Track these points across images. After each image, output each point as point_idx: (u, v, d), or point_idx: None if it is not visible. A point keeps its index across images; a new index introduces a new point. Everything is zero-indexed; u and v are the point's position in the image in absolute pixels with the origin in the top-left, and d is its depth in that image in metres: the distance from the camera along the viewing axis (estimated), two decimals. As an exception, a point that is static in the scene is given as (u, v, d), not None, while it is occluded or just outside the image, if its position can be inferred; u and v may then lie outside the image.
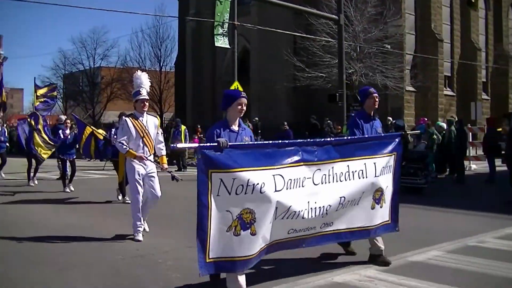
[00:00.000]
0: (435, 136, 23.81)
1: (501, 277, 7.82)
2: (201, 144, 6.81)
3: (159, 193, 10.65)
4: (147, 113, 10.84)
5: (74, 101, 70.16)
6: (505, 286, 7.44)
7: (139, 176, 10.47)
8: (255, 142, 7.68)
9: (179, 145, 7.76)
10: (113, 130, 16.45)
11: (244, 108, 7.45)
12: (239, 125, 7.45)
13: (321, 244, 7.96)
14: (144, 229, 10.70)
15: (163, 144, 11.11)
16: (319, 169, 7.39)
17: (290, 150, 7.16)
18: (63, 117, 22.21)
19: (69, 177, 19.11)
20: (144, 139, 10.56)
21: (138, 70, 11.51)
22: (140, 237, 10.33)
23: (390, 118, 27.31)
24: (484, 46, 57.01)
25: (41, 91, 21.39)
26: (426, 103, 48.05)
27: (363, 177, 7.92)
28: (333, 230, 7.75)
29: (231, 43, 31.29)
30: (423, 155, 19.55)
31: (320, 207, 7.30)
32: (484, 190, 20.04)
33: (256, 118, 37.49)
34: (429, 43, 48.85)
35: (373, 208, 8.19)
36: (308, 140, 7.62)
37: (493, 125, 23.32)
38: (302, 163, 7.18)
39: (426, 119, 28.35)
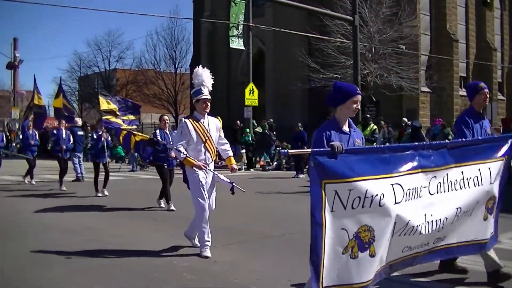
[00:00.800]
0: (450, 137, 23.78)
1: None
2: (314, 149, 5.68)
3: (213, 206, 9.65)
4: (208, 115, 9.68)
5: (89, 103, 70.40)
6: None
7: (204, 183, 9.31)
8: (371, 146, 6.90)
9: (291, 151, 6.24)
10: (158, 131, 15.30)
11: (359, 107, 6.51)
12: (350, 125, 6.50)
13: (431, 261, 6.99)
14: (194, 244, 9.72)
15: (228, 144, 10.06)
16: (435, 176, 6.43)
17: (406, 155, 6.20)
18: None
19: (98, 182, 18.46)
20: (206, 143, 9.44)
21: (199, 67, 10.19)
22: (208, 253, 9.16)
23: (405, 119, 27.27)
24: (499, 46, 56.77)
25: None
26: (441, 104, 47.90)
27: (478, 185, 6.91)
28: (444, 245, 6.76)
29: (246, 45, 31.42)
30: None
31: (436, 220, 6.36)
32: (499, 190, 19.92)
33: (271, 120, 37.52)
34: (444, 43, 48.69)
35: (485, 219, 7.24)
36: (424, 143, 6.90)
37: (508, 125, 23.27)
38: (419, 170, 6.24)
39: (441, 120, 28.31)
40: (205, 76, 9.82)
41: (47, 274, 8.18)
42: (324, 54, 39.09)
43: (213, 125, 9.63)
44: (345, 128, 6.37)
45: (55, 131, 21.28)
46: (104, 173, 18.53)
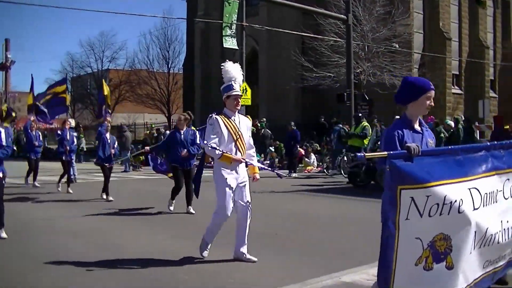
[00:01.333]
0: (442, 135, 23.92)
1: None
2: (391, 152, 5.14)
3: (248, 199, 9.00)
4: (238, 113, 9.18)
5: (82, 104, 70.35)
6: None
7: (230, 187, 8.76)
8: (444, 147, 6.14)
9: (368, 155, 5.35)
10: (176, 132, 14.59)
11: (432, 103, 5.99)
12: (421, 124, 6.02)
13: (503, 274, 6.23)
14: (246, 258, 8.87)
15: (254, 150, 9.46)
16: (508, 179, 5.93)
17: (480, 156, 5.69)
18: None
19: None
20: (238, 142, 8.84)
21: (228, 61, 9.67)
22: (206, 253, 9.12)
23: (398, 117, 27.27)
24: (492, 44, 56.91)
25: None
26: (434, 102, 46.97)
27: None
28: None
29: (240, 44, 31.42)
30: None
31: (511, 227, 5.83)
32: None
33: (264, 119, 37.61)
34: (437, 41, 48.83)
35: None
36: (495, 142, 6.08)
37: (501, 123, 23.39)
38: (494, 172, 5.73)
39: (433, 117, 28.40)
40: (235, 71, 9.24)
41: (46, 276, 8.21)
42: (317, 53, 39.17)
43: (244, 123, 9.09)
44: (417, 127, 5.95)
45: (59, 132, 20.65)
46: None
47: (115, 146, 18.26)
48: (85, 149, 38.91)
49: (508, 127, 24.40)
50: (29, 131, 21.46)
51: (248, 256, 8.91)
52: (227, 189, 8.69)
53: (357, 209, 15.32)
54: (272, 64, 49.47)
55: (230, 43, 30.73)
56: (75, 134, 21.63)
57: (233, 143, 8.77)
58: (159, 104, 64.07)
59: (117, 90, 66.52)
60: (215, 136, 8.68)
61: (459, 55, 52.24)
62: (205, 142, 8.74)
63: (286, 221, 12.92)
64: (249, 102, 31.89)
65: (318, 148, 32.65)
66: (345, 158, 24.71)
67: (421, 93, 5.86)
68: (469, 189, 5.29)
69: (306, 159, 30.20)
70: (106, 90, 21.90)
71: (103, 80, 21.72)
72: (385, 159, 5.03)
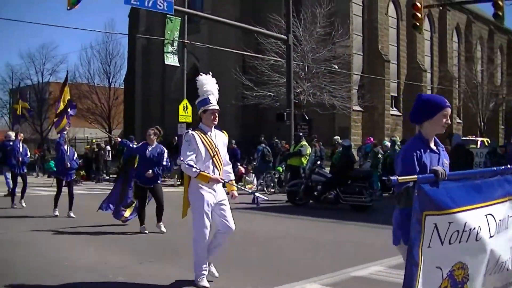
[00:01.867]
0: (379, 156, 24.35)
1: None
2: (420, 176, 4.87)
3: (233, 226, 8.40)
4: (214, 128, 8.62)
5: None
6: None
7: (208, 207, 8.17)
8: (465, 171, 5.72)
9: (400, 179, 4.83)
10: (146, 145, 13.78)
11: (449, 121, 5.61)
12: (436, 144, 5.59)
13: None
14: (211, 272, 8.52)
15: (231, 166, 8.91)
16: None
17: (496, 181, 5.45)
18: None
19: (54, 200, 16.78)
20: (215, 159, 8.33)
21: (202, 74, 9.26)
22: (205, 282, 8.15)
23: (338, 138, 27.70)
24: (429, 67, 58.10)
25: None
26: (373, 123, 48.75)
27: None
28: None
29: (181, 61, 31.49)
30: (368, 174, 19.95)
31: None
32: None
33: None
34: (376, 63, 49.68)
35: None
36: (509, 166, 5.69)
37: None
38: (507, 198, 5.48)
39: (371, 138, 28.86)
40: (210, 84, 8.93)
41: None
42: (258, 72, 39.49)
43: (220, 139, 8.58)
44: (433, 146, 5.52)
45: (11, 143, 19.57)
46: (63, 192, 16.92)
47: (74, 157, 17.26)
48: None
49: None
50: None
51: (213, 269, 8.56)
52: (205, 208, 8.12)
53: (296, 227, 15.48)
54: (213, 81, 49.64)
55: (172, 60, 30.76)
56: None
57: (210, 160, 8.28)
58: (100, 119, 63.61)
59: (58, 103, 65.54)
60: (191, 153, 8.17)
61: (398, 77, 53.23)
62: (181, 159, 8.18)
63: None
64: (190, 120, 31.95)
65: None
66: (274, 177, 25.20)
67: (437, 110, 5.48)
68: (486, 215, 5.14)
69: (247, 177, 30.31)
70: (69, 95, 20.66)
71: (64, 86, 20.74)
72: (404, 183, 4.84)
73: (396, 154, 23.21)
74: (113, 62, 65.19)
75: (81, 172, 33.89)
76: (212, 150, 8.29)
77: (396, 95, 53.21)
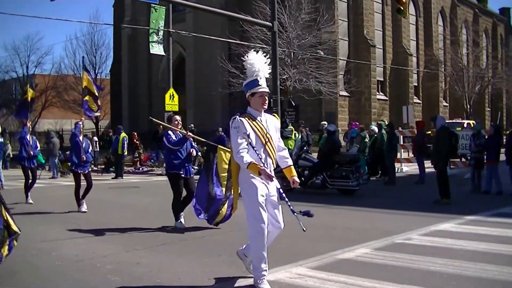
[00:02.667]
0: (366, 140, 24.45)
1: (422, 270, 8.25)
2: None
3: (282, 224, 7.62)
4: (265, 112, 7.65)
5: (7, 109, 69.03)
6: (425, 277, 7.84)
7: (263, 198, 7.33)
8: None
9: None
10: (170, 132, 12.79)
11: None
12: None
13: None
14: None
15: (287, 150, 7.90)
16: None
17: None
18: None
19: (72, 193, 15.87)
20: (267, 147, 7.41)
21: (251, 52, 7.88)
22: (265, 285, 7.34)
23: (325, 123, 27.75)
24: (415, 51, 58.29)
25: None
26: (359, 108, 48.90)
27: None
28: None
29: (166, 50, 31.47)
30: (355, 158, 20.02)
31: None
32: (413, 190, 20.56)
33: (192, 125, 37.70)
34: (362, 48, 49.81)
35: None
36: None
37: (422, 128, 24.01)
38: None
39: (357, 123, 28.97)
40: (260, 64, 7.64)
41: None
42: (243, 59, 39.46)
43: (272, 124, 7.61)
44: None
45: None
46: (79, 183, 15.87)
47: (90, 150, 16.31)
48: (11, 156, 38.21)
49: (430, 132, 25.10)
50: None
51: (250, 266, 7.86)
52: (259, 200, 7.27)
53: (283, 212, 15.57)
54: (199, 70, 49.66)
55: (157, 49, 30.75)
56: (1, 140, 20.60)
57: (262, 148, 7.38)
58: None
59: (44, 95, 65.49)
60: (243, 140, 7.24)
61: (384, 62, 53.36)
62: (232, 148, 7.40)
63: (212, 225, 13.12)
64: (176, 108, 31.93)
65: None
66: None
67: None
68: None
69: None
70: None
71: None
72: None
73: (383, 138, 23.34)
74: (99, 52, 64.93)
75: (69, 163, 33.87)
76: (263, 137, 7.39)
77: (382, 79, 53.41)
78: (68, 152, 33.97)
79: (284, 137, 23.23)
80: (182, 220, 12.56)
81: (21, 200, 17.66)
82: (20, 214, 15.01)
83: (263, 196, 7.30)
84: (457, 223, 12.40)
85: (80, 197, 15.54)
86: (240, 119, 7.30)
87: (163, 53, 31.58)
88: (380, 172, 25.21)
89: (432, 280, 7.70)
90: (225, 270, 8.45)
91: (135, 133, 36.49)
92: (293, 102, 33.70)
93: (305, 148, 20.97)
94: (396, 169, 25.04)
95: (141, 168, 34.18)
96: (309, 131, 27.96)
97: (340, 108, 47.10)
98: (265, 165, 7.27)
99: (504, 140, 20.09)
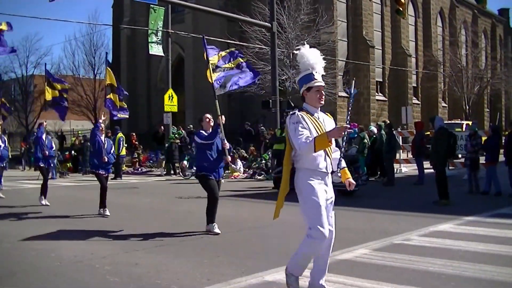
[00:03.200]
0: (365, 141, 24.46)
1: (421, 270, 8.26)
2: None
3: (334, 231, 7.04)
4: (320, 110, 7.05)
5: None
6: (424, 278, 7.85)
7: (324, 202, 6.80)
8: None
9: None
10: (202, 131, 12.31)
11: None
12: None
13: None
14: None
15: (340, 152, 7.25)
16: None
17: None
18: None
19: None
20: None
21: (305, 45, 7.44)
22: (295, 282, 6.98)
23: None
24: (414, 52, 58.26)
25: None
26: (358, 108, 48.83)
27: None
28: None
29: (165, 51, 31.49)
30: (354, 158, 20.02)
31: None
32: (412, 191, 20.58)
33: (191, 126, 37.70)
34: (361, 49, 49.76)
35: None
36: None
37: (420, 129, 24.01)
38: None
39: (356, 124, 28.97)
40: (314, 57, 7.15)
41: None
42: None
43: (328, 123, 6.99)
44: None
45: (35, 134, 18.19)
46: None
47: (112, 151, 15.52)
48: (10, 156, 38.22)
49: (429, 133, 25.09)
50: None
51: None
52: (321, 202, 6.73)
53: (283, 212, 15.48)
54: (198, 70, 49.52)
55: (156, 49, 30.79)
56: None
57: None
58: (86, 111, 63.27)
59: (43, 96, 65.33)
60: (304, 130, 6.62)
61: (383, 63, 53.33)
62: (293, 143, 6.68)
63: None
64: (175, 109, 31.99)
65: (245, 154, 32.86)
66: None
67: None
68: None
69: (233, 165, 30.31)
70: (109, 78, 17.19)
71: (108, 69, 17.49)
72: None
73: (382, 139, 23.32)
74: (98, 53, 64.78)
75: (68, 164, 33.91)
76: None
77: (381, 80, 53.35)
78: (67, 153, 34.10)
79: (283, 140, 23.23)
80: (215, 225, 11.85)
81: (21, 201, 17.69)
82: (19, 215, 15.08)
83: (325, 199, 6.79)
84: (456, 224, 12.42)
85: (100, 203, 14.77)
86: (300, 114, 6.73)
87: (162, 54, 31.62)
88: (379, 172, 25.23)
89: (431, 281, 7.70)
90: (224, 270, 8.45)
91: (134, 134, 36.49)
92: (292, 103, 33.71)
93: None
94: (395, 169, 25.06)
95: (140, 169, 34.20)
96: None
97: (339, 108, 47.04)
98: (326, 165, 6.81)
99: (503, 141, 20.08)
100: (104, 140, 15.28)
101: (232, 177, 28.83)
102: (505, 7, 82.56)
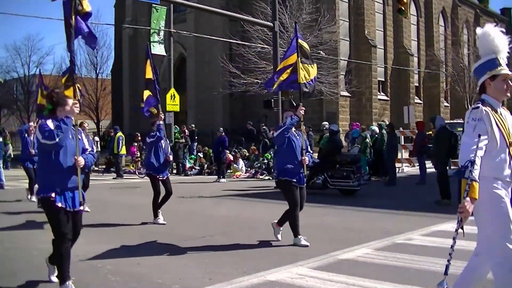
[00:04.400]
0: (367, 140, 24.45)
1: (423, 270, 8.26)
2: None
3: None
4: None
5: (8, 109, 69.00)
6: (426, 278, 7.83)
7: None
8: None
9: None
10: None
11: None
12: None
13: None
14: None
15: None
16: None
17: None
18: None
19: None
20: (511, 149, 5.43)
21: (488, 24, 6.06)
22: None
23: (326, 123, 27.76)
24: (416, 51, 58.20)
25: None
26: (360, 108, 48.81)
27: None
28: None
29: (167, 51, 31.49)
30: (356, 158, 20.04)
31: None
32: (414, 191, 20.59)
33: (193, 125, 37.70)
34: (363, 49, 49.70)
35: None
36: None
37: (422, 128, 23.97)
38: None
39: (358, 123, 28.95)
40: (500, 40, 5.77)
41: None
42: (245, 59, 39.39)
43: (510, 119, 5.65)
44: None
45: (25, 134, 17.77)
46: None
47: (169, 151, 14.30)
48: (12, 156, 38.18)
49: (431, 132, 25.07)
50: (25, 136, 18.02)
51: None
52: (508, 216, 5.52)
53: (281, 212, 15.56)
54: (200, 70, 49.60)
55: (158, 49, 30.81)
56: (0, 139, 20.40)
57: (507, 151, 5.45)
58: (88, 110, 63.34)
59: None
60: (485, 137, 5.35)
61: (385, 62, 53.26)
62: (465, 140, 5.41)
63: (213, 224, 13.10)
64: (177, 109, 31.99)
65: (246, 154, 32.84)
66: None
67: None
68: None
69: (235, 165, 30.36)
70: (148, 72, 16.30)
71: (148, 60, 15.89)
72: None
73: (383, 138, 23.30)
74: (100, 53, 64.89)
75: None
76: (508, 135, 5.47)
77: (383, 79, 53.28)
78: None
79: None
80: (301, 237, 10.25)
81: (22, 200, 17.68)
82: (20, 214, 15.07)
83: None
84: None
85: (157, 207, 13.47)
86: (485, 110, 5.45)
87: (164, 53, 31.63)
88: (381, 172, 25.22)
89: (433, 281, 7.67)
90: (226, 270, 8.45)
91: (138, 134, 36.47)
92: (294, 102, 33.62)
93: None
94: (397, 169, 25.05)
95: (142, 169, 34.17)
96: (311, 131, 28.01)
97: (341, 108, 46.99)
98: (510, 173, 5.45)
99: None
100: (163, 142, 13.96)
101: (234, 177, 28.86)
102: (507, 7, 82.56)
